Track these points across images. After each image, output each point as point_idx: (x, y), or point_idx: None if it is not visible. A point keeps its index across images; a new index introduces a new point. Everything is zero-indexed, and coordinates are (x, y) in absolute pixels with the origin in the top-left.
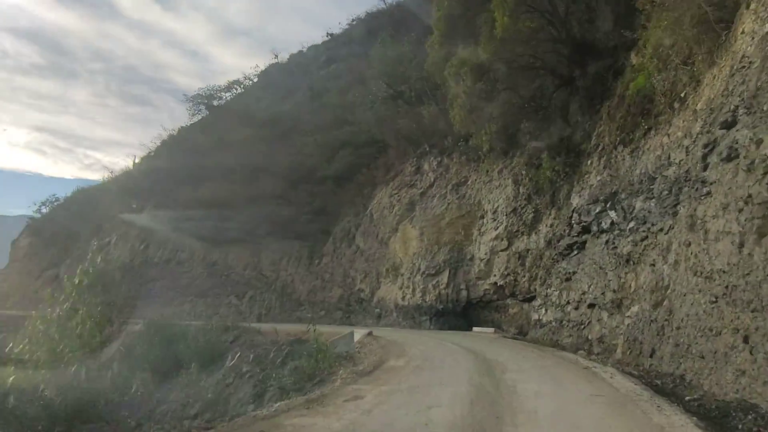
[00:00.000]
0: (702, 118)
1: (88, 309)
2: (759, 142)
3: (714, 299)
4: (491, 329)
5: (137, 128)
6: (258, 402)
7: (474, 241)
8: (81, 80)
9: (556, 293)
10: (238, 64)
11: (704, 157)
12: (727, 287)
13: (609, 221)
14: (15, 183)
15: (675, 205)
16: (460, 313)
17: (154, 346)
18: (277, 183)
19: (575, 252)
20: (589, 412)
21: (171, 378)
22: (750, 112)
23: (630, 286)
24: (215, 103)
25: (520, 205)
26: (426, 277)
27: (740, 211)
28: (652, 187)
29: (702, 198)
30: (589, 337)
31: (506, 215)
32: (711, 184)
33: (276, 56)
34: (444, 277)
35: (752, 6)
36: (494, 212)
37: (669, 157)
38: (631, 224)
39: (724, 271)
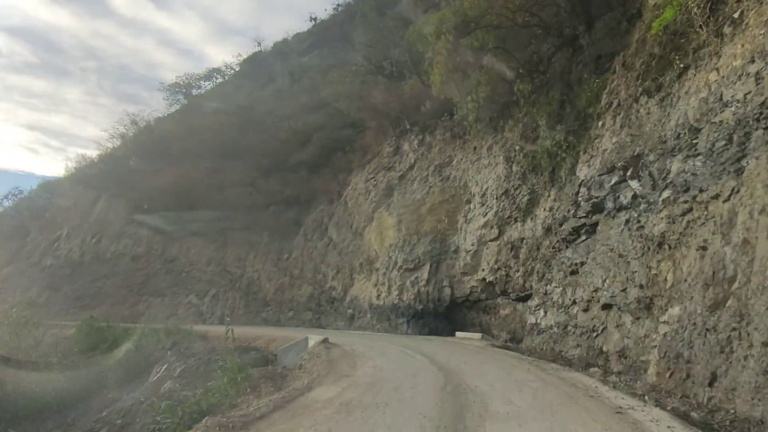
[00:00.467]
0: None
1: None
2: None
3: None
4: (478, 335)
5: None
6: None
7: (459, 229)
8: (74, 79)
9: (559, 290)
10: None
11: None
12: None
13: (630, 194)
14: (7, 182)
15: (739, 159)
16: (442, 315)
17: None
18: (247, 171)
19: (583, 237)
20: None
21: (92, 394)
22: None
23: (665, 280)
24: (194, 92)
25: (513, 186)
26: (404, 272)
27: None
28: (695, 140)
29: None
30: (605, 349)
31: (497, 198)
32: None
33: (259, 44)
34: (424, 273)
35: None
36: (483, 195)
37: (721, 97)
38: (666, 194)
39: None
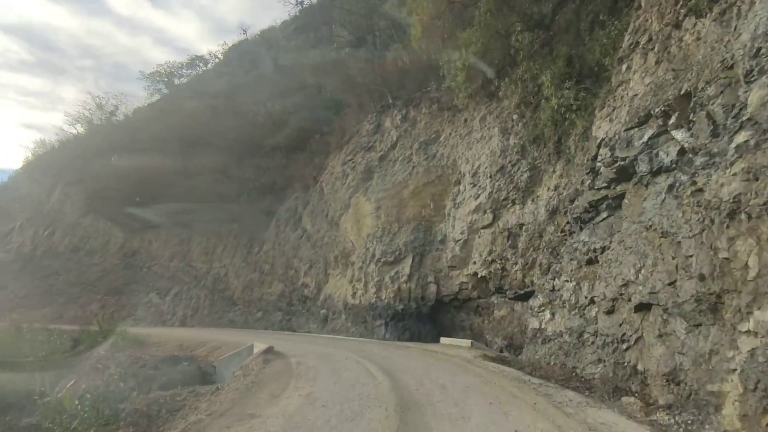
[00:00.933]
0: None
1: None
2: None
3: None
4: (467, 342)
5: None
6: None
7: (447, 215)
8: (70, 77)
9: (570, 286)
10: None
11: None
12: None
13: (675, 149)
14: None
15: None
16: (426, 316)
17: None
18: (218, 158)
19: (603, 214)
20: None
21: None
22: None
23: (745, 267)
24: (177, 81)
25: (509, 162)
26: (382, 266)
27: None
28: None
29: None
30: (642, 369)
31: (490, 177)
32: None
33: (245, 32)
34: (406, 266)
35: None
36: (474, 174)
37: None
38: (741, 137)
39: None
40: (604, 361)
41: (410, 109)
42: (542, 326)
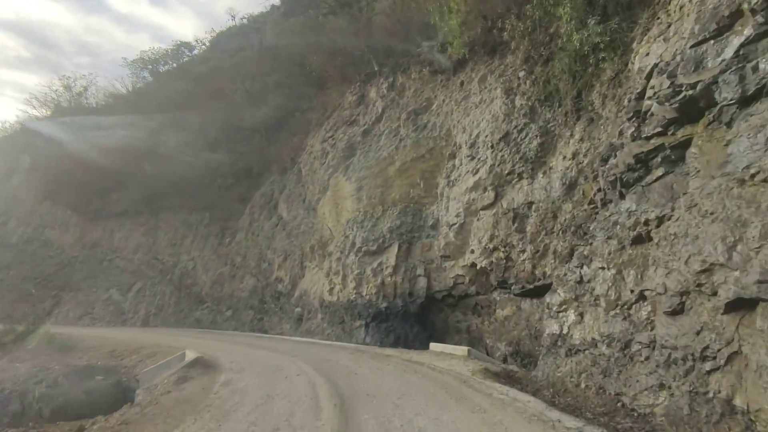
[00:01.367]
0: None
1: None
2: None
3: None
4: (463, 349)
5: None
6: None
7: (439, 196)
8: (67, 74)
9: (608, 275)
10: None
11: None
12: None
13: None
14: None
15: None
16: (415, 316)
17: None
18: (191, 142)
19: (658, 172)
20: None
21: None
22: None
23: None
24: (161, 69)
25: (515, 128)
26: (363, 256)
27: None
28: None
29: None
30: (742, 405)
31: (492, 147)
32: None
33: (233, 17)
34: (390, 257)
35: None
36: (472, 146)
37: None
38: None
39: None
40: (670, 388)
41: (398, 75)
42: (565, 331)
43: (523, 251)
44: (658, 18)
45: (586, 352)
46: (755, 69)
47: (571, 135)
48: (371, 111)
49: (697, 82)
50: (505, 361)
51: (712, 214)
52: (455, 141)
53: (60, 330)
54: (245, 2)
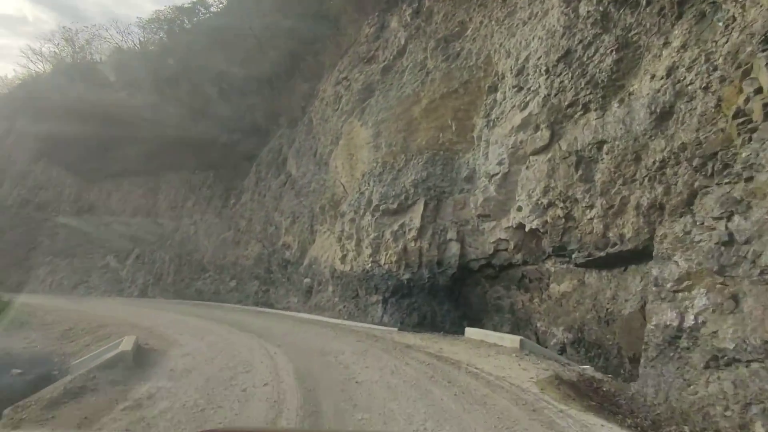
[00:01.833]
0: None
1: None
2: None
3: None
4: (513, 338)
5: None
6: None
7: (476, 140)
8: (68, 26)
9: None
10: None
11: None
12: None
13: None
14: None
15: None
16: (445, 290)
17: None
18: (197, 93)
19: None
20: None
21: None
22: None
23: None
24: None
25: (579, 43)
26: (382, 216)
27: None
28: None
29: None
30: None
31: (547, 73)
32: None
33: None
34: (415, 217)
35: None
36: (519, 73)
37: None
38: None
39: None
40: None
41: None
42: (690, 323)
43: (590, 207)
44: None
45: (753, 365)
46: None
47: (666, 43)
48: (392, 44)
49: None
50: (562, 351)
51: None
52: (496, 70)
53: (35, 300)
54: None
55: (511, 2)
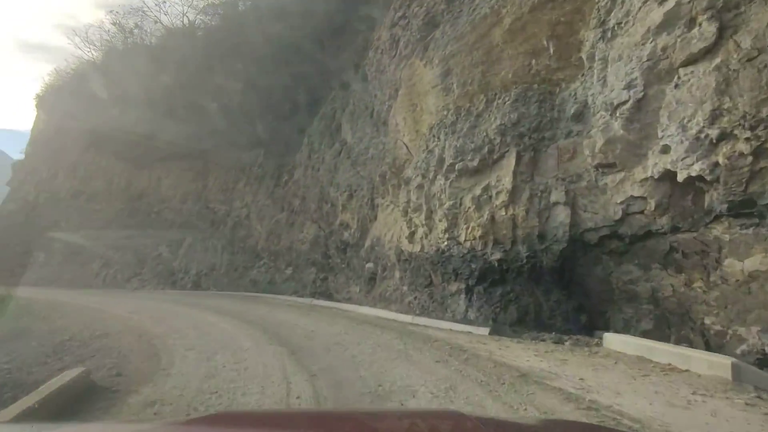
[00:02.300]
0: None
1: None
2: None
3: None
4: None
5: None
6: None
7: (587, 60)
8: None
9: None
10: None
11: None
12: None
13: None
14: None
15: None
16: (551, 273)
17: None
18: (247, 67)
19: None
20: None
21: None
22: None
23: None
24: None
25: None
26: (458, 178)
27: None
28: None
29: None
30: None
31: None
32: None
33: None
34: (504, 175)
35: None
36: None
37: None
38: None
39: None
40: None
41: None
42: None
43: None
44: None
45: None
46: None
47: None
48: None
49: None
50: (762, 364)
51: None
52: None
53: (79, 299)
54: None
55: None
